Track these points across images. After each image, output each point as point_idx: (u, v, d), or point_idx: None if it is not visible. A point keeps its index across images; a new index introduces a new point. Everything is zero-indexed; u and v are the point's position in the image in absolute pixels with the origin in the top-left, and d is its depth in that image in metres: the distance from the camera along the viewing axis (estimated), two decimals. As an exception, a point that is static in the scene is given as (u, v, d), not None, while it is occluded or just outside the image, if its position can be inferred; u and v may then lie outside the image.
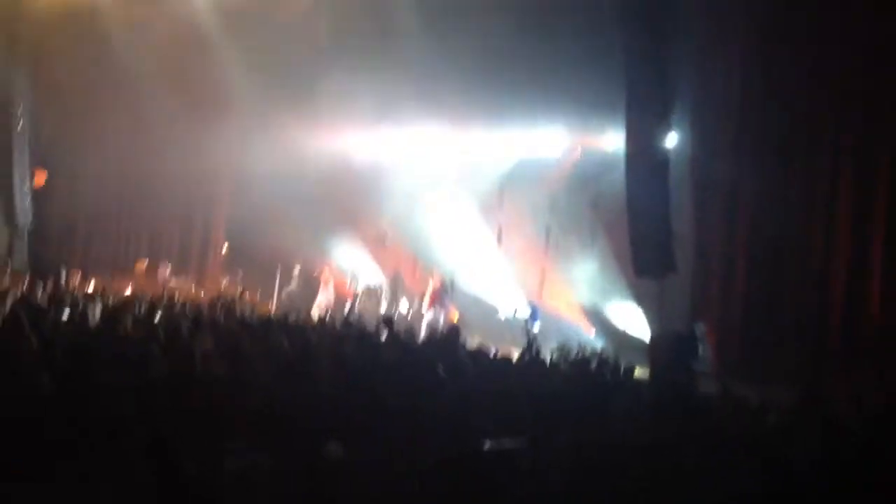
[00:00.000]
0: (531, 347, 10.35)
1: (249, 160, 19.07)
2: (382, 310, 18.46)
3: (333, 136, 18.91)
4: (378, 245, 19.25)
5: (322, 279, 18.41)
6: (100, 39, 17.53)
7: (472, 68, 15.81)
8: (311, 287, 18.29)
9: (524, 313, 17.06)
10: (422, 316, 17.62)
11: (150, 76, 17.71)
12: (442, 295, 17.70)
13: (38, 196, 18.50)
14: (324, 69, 17.37)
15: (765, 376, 11.06)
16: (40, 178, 18.38)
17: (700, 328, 12.99)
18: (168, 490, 4.07)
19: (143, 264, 18.48)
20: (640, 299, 15.62)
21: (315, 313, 16.02)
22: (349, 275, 19.36)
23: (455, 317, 17.12)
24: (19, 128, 17.95)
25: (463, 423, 6.48)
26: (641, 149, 13.12)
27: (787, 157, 12.13)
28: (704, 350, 12.68)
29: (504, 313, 17.70)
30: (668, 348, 12.01)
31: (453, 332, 10.25)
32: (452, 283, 17.42)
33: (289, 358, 7.23)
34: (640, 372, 10.77)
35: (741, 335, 12.28)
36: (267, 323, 9.90)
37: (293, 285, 18.46)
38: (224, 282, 17.97)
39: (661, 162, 13.14)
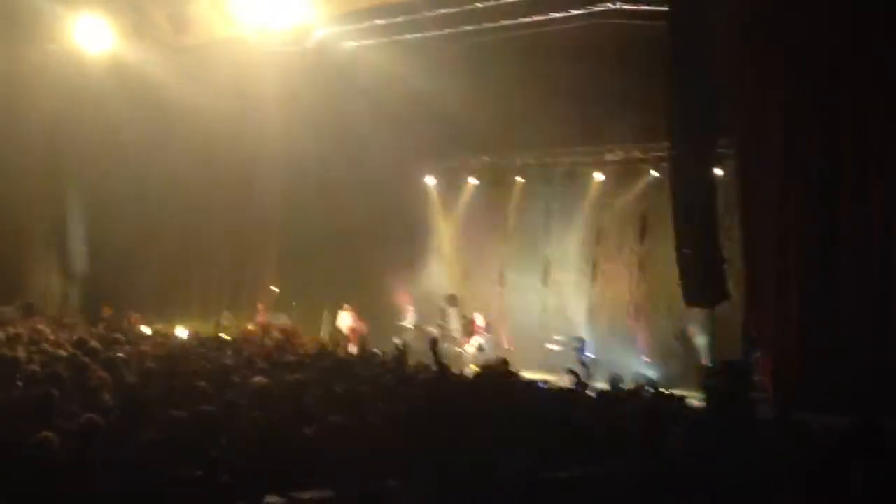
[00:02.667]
0: (582, 378, 10.27)
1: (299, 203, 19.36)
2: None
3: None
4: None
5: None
6: (145, 90, 18.01)
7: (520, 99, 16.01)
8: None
9: (574, 344, 16.98)
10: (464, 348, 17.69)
11: (199, 124, 18.14)
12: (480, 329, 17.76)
13: (92, 242, 18.86)
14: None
15: (822, 402, 10.81)
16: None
17: (755, 355, 12.79)
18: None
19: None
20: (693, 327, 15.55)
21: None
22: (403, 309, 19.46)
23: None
24: (70, 175, 18.29)
25: (516, 455, 6.45)
26: (687, 177, 13.03)
27: (840, 179, 11.94)
28: (760, 377, 12.47)
29: (554, 344, 17.59)
30: (722, 377, 11.81)
31: (503, 364, 10.22)
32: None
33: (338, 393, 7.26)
34: (694, 400, 10.64)
35: (797, 361, 12.02)
36: (317, 359, 9.97)
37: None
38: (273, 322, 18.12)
39: (707, 190, 13.03)
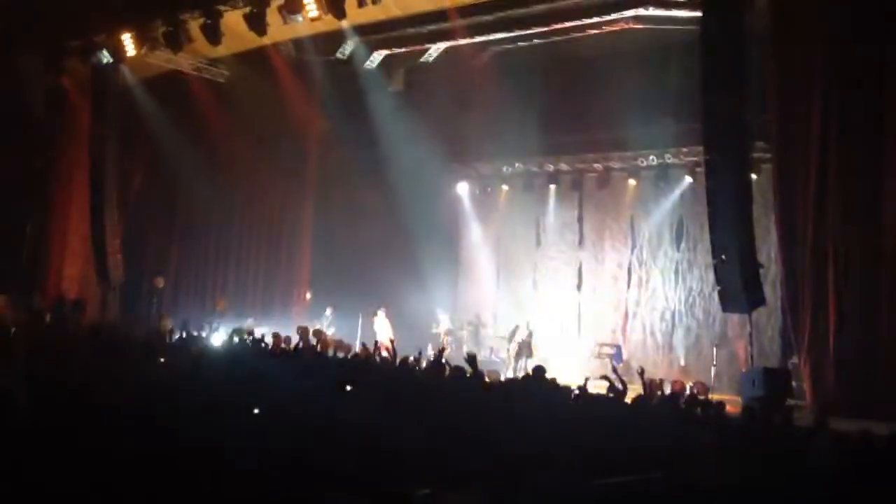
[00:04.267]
0: (615, 384, 10.17)
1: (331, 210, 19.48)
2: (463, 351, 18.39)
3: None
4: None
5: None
6: (184, 99, 18.25)
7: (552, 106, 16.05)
8: None
9: (609, 350, 16.87)
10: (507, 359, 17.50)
11: (234, 133, 18.33)
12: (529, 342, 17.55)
13: (128, 250, 19.10)
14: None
15: (862, 410, 10.68)
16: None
17: (793, 362, 12.64)
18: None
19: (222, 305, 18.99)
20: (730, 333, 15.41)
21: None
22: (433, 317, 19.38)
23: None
24: (109, 184, 18.49)
25: (547, 462, 6.41)
26: (722, 182, 12.91)
27: (880, 183, 11.79)
28: (799, 384, 12.32)
29: (588, 350, 17.48)
30: (760, 383, 11.69)
31: (538, 371, 10.16)
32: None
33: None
34: (732, 407, 10.51)
35: (836, 368, 11.87)
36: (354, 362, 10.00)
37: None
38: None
39: (743, 194, 12.90)
